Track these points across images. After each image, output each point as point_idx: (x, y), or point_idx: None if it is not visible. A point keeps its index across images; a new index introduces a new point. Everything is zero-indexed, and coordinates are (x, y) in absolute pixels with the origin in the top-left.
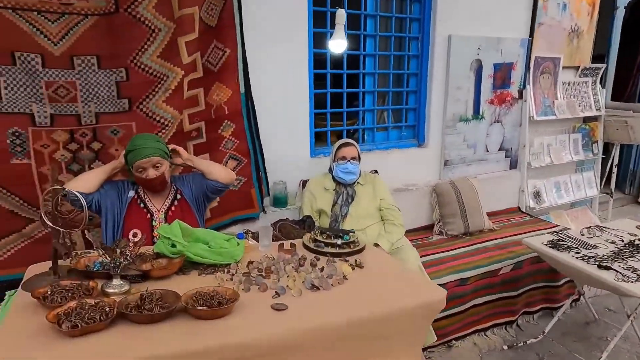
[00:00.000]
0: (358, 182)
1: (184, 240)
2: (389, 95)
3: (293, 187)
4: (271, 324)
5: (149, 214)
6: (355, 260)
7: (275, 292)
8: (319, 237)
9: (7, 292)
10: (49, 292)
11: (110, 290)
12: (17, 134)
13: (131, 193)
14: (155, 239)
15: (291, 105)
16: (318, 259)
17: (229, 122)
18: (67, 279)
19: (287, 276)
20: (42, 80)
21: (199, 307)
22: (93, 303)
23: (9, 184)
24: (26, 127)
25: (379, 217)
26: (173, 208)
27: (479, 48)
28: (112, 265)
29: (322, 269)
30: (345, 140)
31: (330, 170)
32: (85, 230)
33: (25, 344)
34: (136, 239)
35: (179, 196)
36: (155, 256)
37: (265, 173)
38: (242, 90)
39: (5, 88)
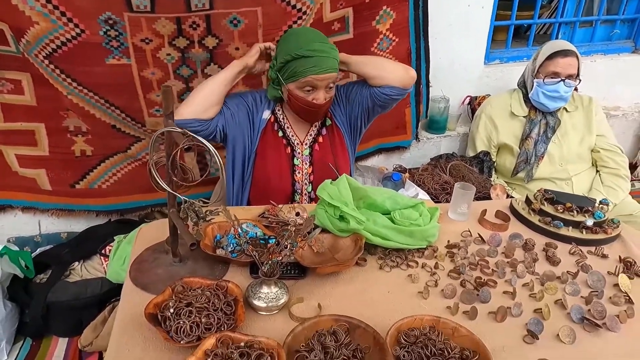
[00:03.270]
0: (564, 108)
1: (355, 207)
2: None
3: (453, 105)
4: None
5: (289, 147)
6: (628, 263)
7: (527, 330)
8: (547, 208)
9: (115, 238)
10: (171, 310)
11: (260, 305)
12: (110, 21)
13: (266, 114)
14: (297, 184)
15: None
16: (555, 248)
17: (388, 10)
18: (191, 263)
19: (525, 285)
20: None
21: None
22: (243, 345)
23: (107, 92)
24: (121, 13)
25: (591, 162)
26: (320, 139)
27: None
28: (266, 269)
29: (575, 274)
30: (563, 45)
31: (522, 87)
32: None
33: None
34: (299, 219)
35: (328, 121)
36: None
37: (428, 87)
38: None
39: None
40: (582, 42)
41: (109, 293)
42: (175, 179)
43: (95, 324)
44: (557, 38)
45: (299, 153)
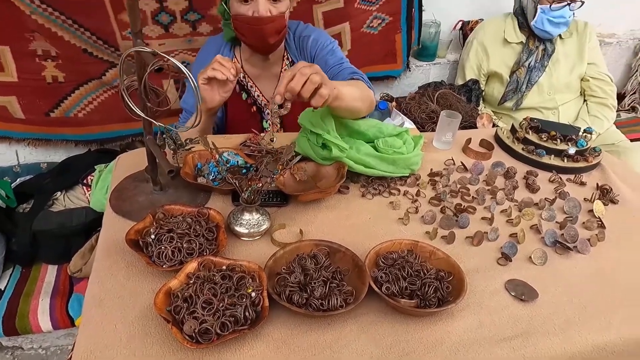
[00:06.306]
0: (559, 35)
1: (337, 135)
2: None
3: (444, 30)
4: (523, 335)
5: (254, 107)
6: (604, 190)
7: (502, 253)
8: (531, 137)
9: (96, 167)
10: (152, 236)
11: (241, 231)
12: None
13: None
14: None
15: None
16: (536, 175)
17: None
18: (172, 191)
19: (503, 212)
20: None
21: (404, 300)
22: (225, 268)
23: (74, 12)
24: None
25: (580, 91)
26: None
27: None
28: (246, 196)
29: (552, 201)
30: None
31: (519, 14)
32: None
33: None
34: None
35: None
36: (290, 155)
37: (420, 10)
38: None
39: None
40: None
41: (95, 222)
42: (149, 104)
43: (84, 252)
44: None
45: (267, 114)
